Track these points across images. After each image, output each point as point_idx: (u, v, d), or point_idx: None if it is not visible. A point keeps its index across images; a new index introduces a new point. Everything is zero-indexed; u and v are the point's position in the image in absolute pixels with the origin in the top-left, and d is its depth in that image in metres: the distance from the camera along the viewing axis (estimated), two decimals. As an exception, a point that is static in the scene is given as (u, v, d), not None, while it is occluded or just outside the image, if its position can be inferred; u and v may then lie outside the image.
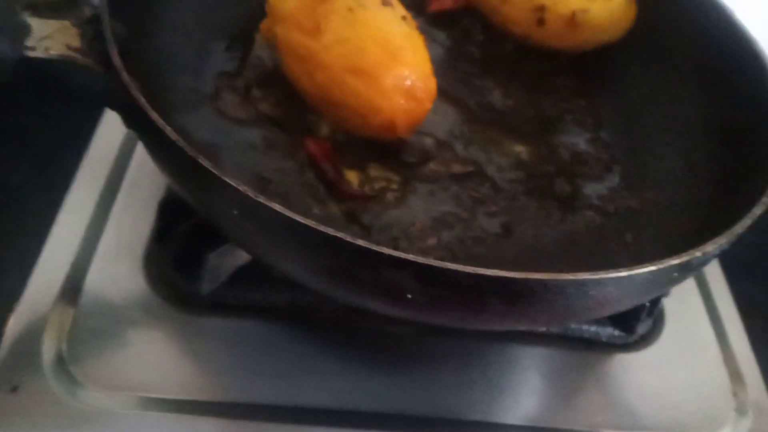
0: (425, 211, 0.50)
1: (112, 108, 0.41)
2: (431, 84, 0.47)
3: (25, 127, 0.61)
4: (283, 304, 0.49)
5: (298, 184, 0.49)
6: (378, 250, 0.32)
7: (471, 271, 0.33)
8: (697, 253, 0.36)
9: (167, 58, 0.51)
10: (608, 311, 0.42)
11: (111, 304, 0.48)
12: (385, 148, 0.51)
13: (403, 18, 0.48)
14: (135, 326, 0.47)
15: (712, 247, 0.37)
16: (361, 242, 0.33)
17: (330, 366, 0.48)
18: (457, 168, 0.53)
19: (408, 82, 0.45)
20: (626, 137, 0.58)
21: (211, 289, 0.47)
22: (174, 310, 0.48)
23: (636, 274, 0.35)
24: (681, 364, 0.53)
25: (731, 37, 0.52)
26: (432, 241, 0.48)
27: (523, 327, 0.49)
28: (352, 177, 0.50)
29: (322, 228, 0.33)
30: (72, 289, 0.48)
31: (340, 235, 0.33)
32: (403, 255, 0.32)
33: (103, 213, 0.52)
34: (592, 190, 0.54)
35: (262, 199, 0.33)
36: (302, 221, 0.33)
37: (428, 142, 0.52)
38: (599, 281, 0.34)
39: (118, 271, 0.49)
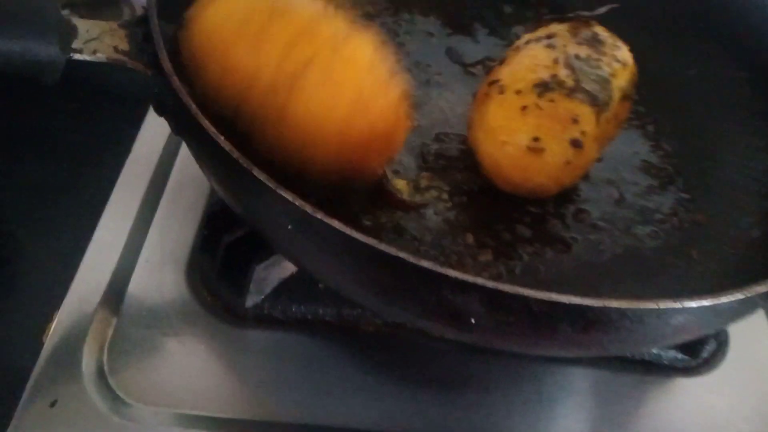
0: (478, 222, 0.48)
1: (161, 113, 0.39)
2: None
3: (66, 129, 0.60)
4: (328, 318, 0.47)
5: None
6: (443, 272, 0.30)
7: (543, 297, 0.30)
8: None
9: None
10: (683, 339, 0.39)
11: (153, 313, 0.46)
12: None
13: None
14: (177, 337, 0.45)
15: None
16: (425, 263, 0.30)
17: (376, 384, 0.46)
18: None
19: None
20: (688, 146, 0.55)
21: (256, 301, 0.45)
22: (218, 322, 0.46)
23: (720, 303, 0.32)
24: (746, 389, 0.50)
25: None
26: (486, 256, 0.45)
27: (591, 354, 0.46)
28: (401, 186, 0.48)
29: (383, 247, 0.30)
30: (114, 297, 0.46)
31: (402, 255, 0.30)
32: (470, 278, 0.30)
33: (146, 219, 0.50)
34: (655, 203, 0.51)
35: (320, 215, 0.31)
36: (363, 240, 0.31)
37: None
38: (682, 310, 0.31)
39: (161, 279, 0.48)
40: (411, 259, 0.30)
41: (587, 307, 0.30)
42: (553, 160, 0.44)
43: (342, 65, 0.38)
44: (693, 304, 0.31)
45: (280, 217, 0.33)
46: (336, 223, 0.31)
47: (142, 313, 0.46)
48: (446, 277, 0.30)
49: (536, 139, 0.44)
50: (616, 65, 0.49)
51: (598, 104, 0.45)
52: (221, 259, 0.46)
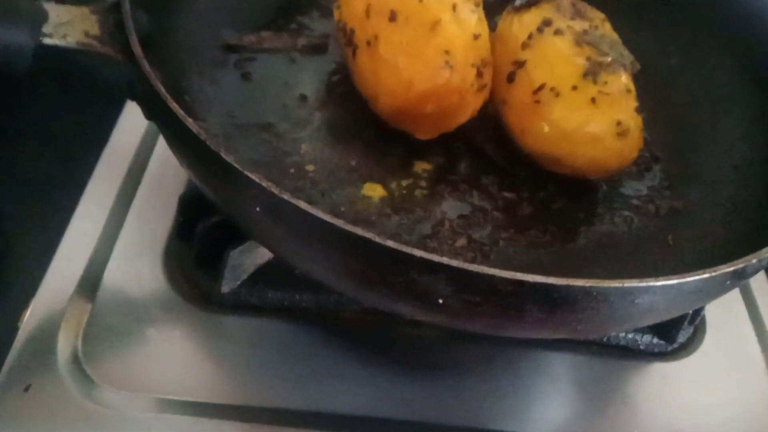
0: (455, 208, 0.48)
1: (133, 98, 0.39)
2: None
3: (45, 120, 0.60)
4: (306, 304, 0.47)
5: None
6: (409, 252, 0.30)
7: (509, 277, 0.30)
8: (753, 260, 0.34)
9: (190, 50, 0.50)
10: (652, 320, 0.39)
11: (129, 301, 0.46)
12: (413, 145, 0.49)
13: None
14: (153, 324, 0.45)
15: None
16: (390, 243, 0.31)
17: (354, 370, 0.46)
18: (489, 164, 0.51)
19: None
20: (668, 133, 0.55)
21: (232, 287, 0.45)
22: (194, 308, 0.46)
23: (686, 282, 0.32)
24: (723, 375, 0.50)
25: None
26: (462, 241, 0.46)
27: (560, 336, 0.46)
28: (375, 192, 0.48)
29: (350, 228, 0.31)
30: (89, 284, 0.46)
31: (368, 235, 0.31)
32: (436, 258, 0.30)
33: (123, 207, 0.51)
34: (632, 189, 0.51)
35: (286, 196, 0.31)
36: (329, 220, 0.31)
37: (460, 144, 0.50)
38: (646, 289, 0.31)
39: (138, 267, 0.48)
40: (377, 239, 0.31)
41: (552, 285, 0.30)
42: (635, 133, 0.46)
43: (430, 34, 0.44)
44: (657, 283, 0.32)
45: (248, 200, 0.33)
46: (302, 204, 0.31)
47: (118, 300, 0.46)
48: (412, 257, 0.30)
49: (619, 123, 0.45)
50: (606, 24, 0.50)
51: (627, 66, 0.47)
52: (197, 245, 0.45)
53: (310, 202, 0.44)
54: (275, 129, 0.50)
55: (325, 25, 0.57)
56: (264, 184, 0.31)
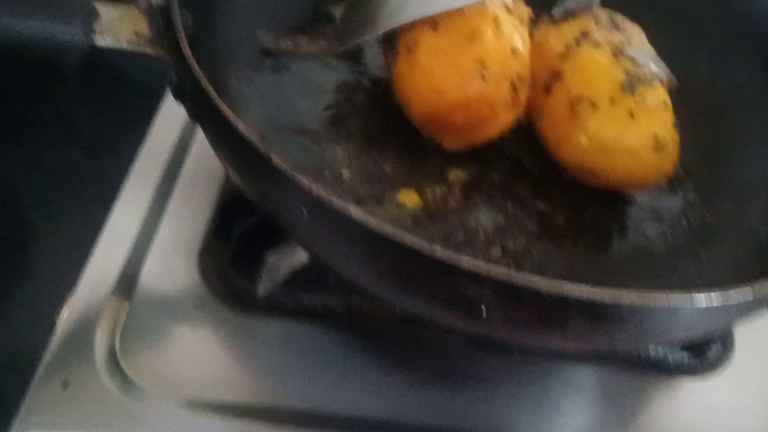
0: (489, 218, 0.48)
1: (179, 99, 0.40)
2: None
3: (79, 115, 0.61)
4: (339, 308, 0.47)
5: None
6: (457, 263, 0.31)
7: (554, 288, 0.30)
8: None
9: (228, 51, 0.50)
10: (691, 336, 0.39)
11: (166, 299, 0.47)
12: (447, 153, 0.49)
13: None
14: (189, 324, 0.46)
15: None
16: (439, 253, 0.31)
17: (382, 376, 0.46)
18: (522, 173, 0.51)
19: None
20: (699, 145, 0.55)
21: (268, 290, 0.46)
22: (229, 309, 0.46)
23: (734, 301, 0.32)
24: (752, 391, 0.50)
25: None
26: (496, 251, 0.46)
27: (599, 347, 0.46)
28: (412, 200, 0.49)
29: (399, 237, 0.31)
30: (127, 282, 0.47)
31: (417, 245, 0.31)
32: (484, 269, 0.31)
33: (160, 206, 0.51)
34: (664, 202, 0.51)
35: (335, 203, 0.31)
36: (377, 229, 0.31)
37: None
38: (697, 307, 0.31)
39: (174, 266, 0.48)
40: (425, 249, 0.31)
41: (598, 300, 0.30)
42: (672, 148, 0.46)
43: (468, 44, 0.45)
44: (703, 300, 0.32)
45: (296, 205, 0.34)
46: (351, 211, 0.31)
47: (154, 298, 0.47)
48: (460, 267, 0.31)
49: (656, 137, 0.45)
50: (643, 38, 0.50)
51: (664, 80, 0.47)
52: (234, 247, 0.46)
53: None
54: (310, 132, 0.50)
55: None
56: (314, 191, 0.32)
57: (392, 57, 0.50)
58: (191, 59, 0.37)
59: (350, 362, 0.46)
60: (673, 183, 0.52)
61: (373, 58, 0.55)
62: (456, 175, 0.50)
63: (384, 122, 0.52)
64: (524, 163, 0.51)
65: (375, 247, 0.32)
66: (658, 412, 0.48)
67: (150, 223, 0.50)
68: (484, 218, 0.48)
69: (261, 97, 0.51)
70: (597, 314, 0.32)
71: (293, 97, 0.52)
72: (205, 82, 0.36)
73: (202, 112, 0.38)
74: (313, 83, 0.53)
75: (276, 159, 0.33)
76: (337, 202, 0.31)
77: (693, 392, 0.49)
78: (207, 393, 0.43)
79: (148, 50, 0.39)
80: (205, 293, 0.47)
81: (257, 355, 0.46)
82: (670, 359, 0.50)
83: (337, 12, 0.60)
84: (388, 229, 0.31)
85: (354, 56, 0.57)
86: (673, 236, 0.49)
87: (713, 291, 0.32)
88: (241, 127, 0.34)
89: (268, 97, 0.51)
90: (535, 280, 0.30)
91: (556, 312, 0.32)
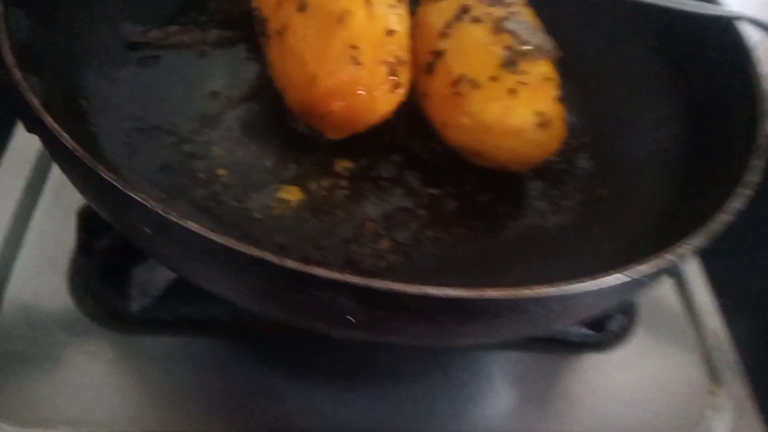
0: (378, 208, 0.46)
1: (10, 110, 0.36)
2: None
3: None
4: (224, 317, 0.45)
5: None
6: (309, 271, 0.28)
7: (416, 292, 0.29)
8: (670, 256, 0.33)
9: (85, 47, 0.46)
10: (574, 321, 0.38)
11: (32, 323, 0.43)
12: (334, 143, 0.47)
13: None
14: (60, 349, 0.42)
15: (685, 248, 0.34)
16: (290, 263, 0.28)
17: (280, 383, 0.44)
18: (413, 159, 0.49)
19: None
20: (593, 118, 0.54)
21: (143, 305, 0.43)
22: (103, 329, 0.43)
23: (606, 286, 0.31)
24: (656, 363, 0.50)
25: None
26: (385, 243, 0.44)
27: (482, 342, 0.45)
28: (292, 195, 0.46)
29: (243, 248, 0.28)
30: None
31: (265, 256, 0.28)
32: (339, 276, 0.28)
33: (23, 222, 0.47)
34: (558, 178, 0.50)
35: (173, 217, 0.29)
36: (220, 241, 0.28)
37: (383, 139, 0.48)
38: (564, 296, 0.30)
39: (40, 287, 0.44)
40: (275, 259, 0.28)
41: (461, 298, 0.28)
42: (557, 123, 0.44)
43: (338, 26, 0.42)
44: (575, 288, 0.30)
45: (135, 220, 0.31)
46: (191, 225, 0.29)
47: (19, 323, 0.43)
48: (314, 276, 0.28)
49: (540, 113, 0.43)
50: (525, 11, 0.48)
51: (548, 53, 0.46)
52: (98, 263, 0.42)
53: (220, 211, 0.43)
54: (183, 131, 0.47)
55: (239, 19, 0.53)
56: (150, 204, 0.29)
57: (264, 42, 0.47)
58: (12, 65, 0.33)
59: (243, 373, 0.44)
60: (567, 156, 0.51)
61: (252, 44, 0.52)
62: (343, 165, 0.48)
63: (264, 113, 0.49)
64: (414, 148, 0.49)
65: (225, 261, 0.30)
66: (566, 389, 0.48)
67: (12, 240, 0.46)
68: (373, 209, 0.46)
69: (127, 96, 0.47)
70: (464, 312, 0.30)
71: (163, 93, 0.48)
72: (28, 91, 0.32)
73: (33, 123, 0.34)
74: (185, 76, 0.50)
75: (105, 171, 0.29)
76: (175, 216, 0.28)
77: (599, 367, 0.49)
78: (87, 427, 0.40)
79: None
80: (76, 313, 0.43)
81: (141, 376, 0.43)
82: (573, 335, 0.49)
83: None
84: (233, 243, 0.28)
85: (230, 43, 0.53)
86: (567, 212, 0.48)
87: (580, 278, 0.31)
88: (67, 139, 0.30)
89: (134, 96, 0.47)
90: (392, 284, 0.28)
91: (422, 314, 0.30)
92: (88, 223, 0.43)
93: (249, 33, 0.51)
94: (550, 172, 0.50)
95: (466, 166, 0.48)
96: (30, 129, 0.36)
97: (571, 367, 0.49)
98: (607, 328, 0.49)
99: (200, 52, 0.52)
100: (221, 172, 0.45)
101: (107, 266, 0.42)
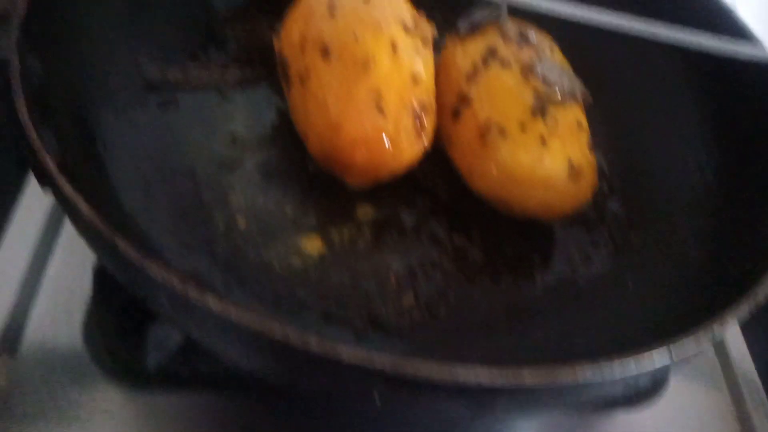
0: (402, 259, 0.44)
1: (26, 165, 0.35)
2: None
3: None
4: (244, 373, 0.43)
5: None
6: (333, 356, 0.27)
7: (447, 379, 0.27)
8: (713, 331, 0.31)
9: (102, 89, 0.45)
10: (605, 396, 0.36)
11: (47, 380, 0.42)
12: (355, 190, 0.45)
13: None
14: (76, 408, 0.41)
15: (728, 321, 0.32)
16: (314, 346, 0.27)
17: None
18: (438, 205, 0.47)
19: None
20: (624, 160, 0.52)
21: (159, 360, 0.41)
22: (120, 385, 0.42)
23: (607, 378, 0.29)
24: (688, 423, 0.47)
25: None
26: (409, 299, 0.42)
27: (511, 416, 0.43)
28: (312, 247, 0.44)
29: (266, 329, 0.27)
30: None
31: (287, 338, 0.27)
32: (365, 360, 0.27)
33: (38, 271, 0.46)
34: (589, 224, 0.48)
35: (192, 293, 0.27)
36: (242, 322, 0.27)
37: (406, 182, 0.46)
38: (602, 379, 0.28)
39: (56, 339, 0.43)
40: (297, 342, 0.27)
41: (496, 388, 0.27)
42: (589, 172, 0.43)
43: (362, 73, 0.41)
44: (610, 370, 0.28)
45: (155, 294, 0.29)
46: (212, 304, 0.27)
47: (34, 381, 0.42)
48: (338, 361, 0.27)
49: (571, 163, 0.42)
50: (555, 50, 0.47)
51: (577, 97, 0.44)
52: (117, 320, 0.41)
53: (240, 265, 0.41)
54: (202, 176, 0.45)
55: (260, 58, 0.52)
56: (168, 282, 0.27)
57: (287, 87, 0.46)
58: (27, 123, 0.32)
59: (265, 429, 0.42)
60: (598, 202, 0.49)
61: (274, 84, 0.50)
62: (365, 212, 0.46)
63: (285, 157, 0.48)
64: (439, 194, 0.48)
65: (245, 340, 0.28)
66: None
67: (26, 291, 0.44)
68: (396, 261, 0.44)
69: (145, 140, 0.46)
70: (496, 391, 0.28)
71: (182, 136, 0.47)
72: (42, 150, 0.31)
73: (47, 181, 0.32)
74: (205, 118, 0.49)
75: (122, 242, 0.28)
76: (194, 293, 0.27)
77: (630, 424, 0.47)
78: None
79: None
80: (91, 368, 0.42)
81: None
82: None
83: (233, 33, 0.55)
84: (255, 323, 0.27)
85: (251, 83, 0.52)
86: (598, 263, 0.46)
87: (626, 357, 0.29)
88: (83, 204, 0.29)
89: (152, 140, 0.46)
90: (424, 367, 0.27)
91: (452, 393, 0.28)
92: (103, 277, 0.41)
93: (270, 71, 0.50)
94: (579, 218, 0.48)
95: (494, 212, 0.46)
96: (44, 185, 0.35)
97: (603, 424, 0.47)
98: (638, 386, 0.47)
99: (220, 93, 0.51)
100: (241, 221, 0.44)
101: (123, 322, 0.40)
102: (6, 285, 0.45)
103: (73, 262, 0.46)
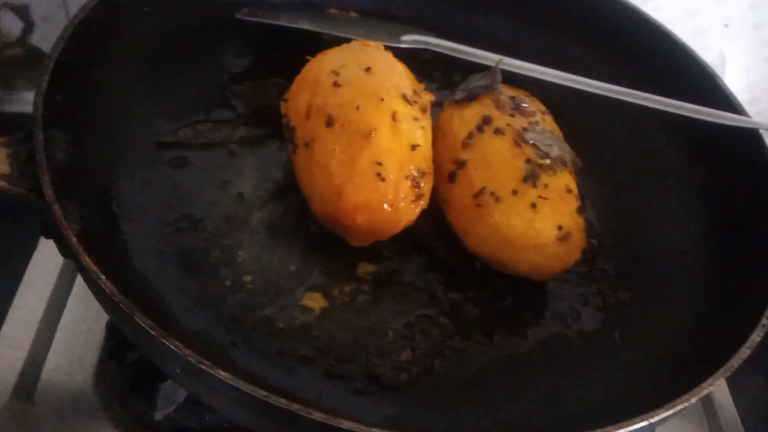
0: (400, 316, 0.46)
1: (47, 236, 0.37)
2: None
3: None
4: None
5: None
6: (336, 424, 0.29)
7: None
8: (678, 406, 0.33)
9: (119, 152, 0.48)
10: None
11: (59, 427, 0.44)
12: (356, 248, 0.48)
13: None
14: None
15: (714, 382, 0.34)
16: (317, 414, 0.29)
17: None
18: (435, 263, 0.49)
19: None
20: (615, 217, 0.55)
21: (168, 413, 0.43)
22: (129, 437, 0.44)
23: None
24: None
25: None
26: (406, 354, 0.44)
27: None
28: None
29: (272, 399, 0.29)
30: (15, 415, 0.44)
31: (292, 407, 0.29)
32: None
33: (53, 321, 0.48)
34: (579, 281, 0.50)
35: (205, 366, 0.29)
36: (250, 391, 0.29)
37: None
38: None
39: (69, 389, 0.45)
40: (302, 411, 0.29)
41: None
42: (577, 235, 0.45)
43: (364, 142, 0.43)
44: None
45: (167, 361, 0.32)
46: (222, 374, 0.29)
47: (45, 424, 0.44)
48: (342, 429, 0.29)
49: (560, 228, 0.44)
50: (546, 118, 0.50)
51: (567, 164, 0.47)
52: (128, 374, 0.43)
53: (247, 322, 0.43)
54: (211, 234, 0.48)
55: (267, 116, 0.55)
56: (181, 353, 0.30)
57: (292, 150, 0.48)
58: (53, 201, 0.34)
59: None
60: (587, 259, 0.51)
61: (280, 142, 0.53)
62: (365, 269, 0.48)
63: (290, 214, 0.50)
64: (436, 250, 0.50)
65: (254, 408, 0.30)
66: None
67: (40, 343, 0.47)
68: (395, 318, 0.46)
69: (157, 197, 0.48)
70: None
71: (192, 194, 0.49)
72: (66, 228, 0.33)
73: (69, 253, 0.35)
74: (214, 176, 0.51)
75: (141, 317, 0.30)
76: (208, 364, 0.29)
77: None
78: None
79: (7, 190, 0.36)
80: (103, 420, 0.44)
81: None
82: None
83: (242, 93, 0.58)
84: (261, 394, 0.29)
85: (259, 141, 0.55)
86: (588, 319, 0.48)
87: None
88: (104, 282, 0.31)
89: (164, 197, 0.48)
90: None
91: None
92: (116, 330, 0.44)
93: (277, 130, 0.52)
94: (570, 276, 0.50)
95: (489, 272, 0.48)
96: (66, 256, 0.37)
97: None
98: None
99: (229, 151, 0.53)
100: (247, 278, 0.46)
101: (134, 375, 0.43)
102: (22, 334, 0.47)
103: (87, 313, 0.48)
